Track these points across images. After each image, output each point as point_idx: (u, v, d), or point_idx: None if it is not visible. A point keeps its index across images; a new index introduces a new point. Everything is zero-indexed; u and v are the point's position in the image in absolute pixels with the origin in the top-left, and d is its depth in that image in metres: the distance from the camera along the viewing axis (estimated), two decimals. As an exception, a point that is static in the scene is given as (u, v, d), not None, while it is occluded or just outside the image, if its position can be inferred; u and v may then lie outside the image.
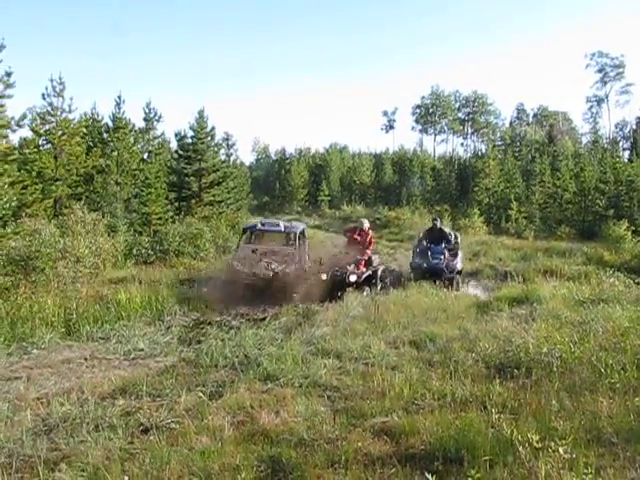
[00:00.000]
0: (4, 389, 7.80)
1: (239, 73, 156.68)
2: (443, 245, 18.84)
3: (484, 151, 70.31)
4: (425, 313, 12.54)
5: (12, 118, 16.10)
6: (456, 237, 19.74)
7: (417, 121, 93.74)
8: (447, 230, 20.32)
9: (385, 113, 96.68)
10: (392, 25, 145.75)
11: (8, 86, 15.05)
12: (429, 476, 3.43)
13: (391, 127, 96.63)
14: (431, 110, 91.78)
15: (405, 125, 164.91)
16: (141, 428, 6.30)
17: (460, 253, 19.15)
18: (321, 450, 5.53)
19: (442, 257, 18.28)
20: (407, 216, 42.88)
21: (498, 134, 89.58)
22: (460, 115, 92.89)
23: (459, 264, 18.64)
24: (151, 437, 5.98)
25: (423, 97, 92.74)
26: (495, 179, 48.65)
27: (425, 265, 18.17)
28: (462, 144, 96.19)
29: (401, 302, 13.80)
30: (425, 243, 19.22)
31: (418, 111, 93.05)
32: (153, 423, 6.34)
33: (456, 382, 7.54)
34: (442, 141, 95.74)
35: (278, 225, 17.99)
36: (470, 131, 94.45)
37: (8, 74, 14.95)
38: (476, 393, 7.04)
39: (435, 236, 19.40)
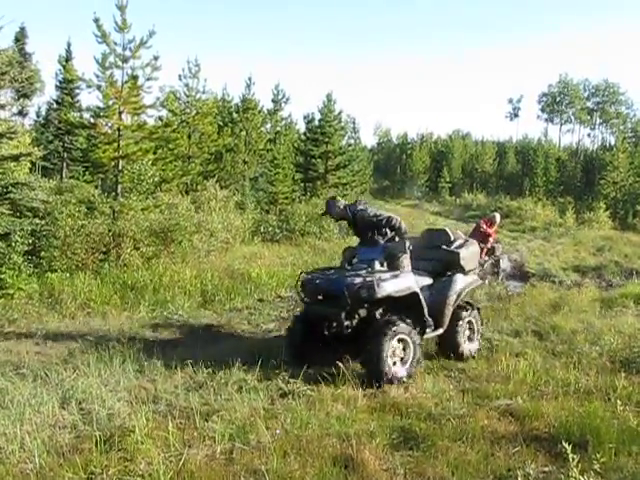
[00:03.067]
0: (157, 349, 8.55)
1: (364, 57, 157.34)
2: (382, 244, 8.32)
3: (613, 143, 67.72)
4: (547, 305, 12.59)
5: (157, 99, 17.13)
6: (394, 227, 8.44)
7: (543, 110, 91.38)
8: (384, 214, 8.61)
9: (510, 100, 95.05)
10: (520, 10, 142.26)
11: (155, 69, 15.94)
12: (566, 444, 3.68)
13: (516, 115, 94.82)
14: (558, 99, 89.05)
15: (530, 113, 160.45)
16: (280, 392, 6.82)
17: (406, 263, 8.21)
18: (449, 424, 5.88)
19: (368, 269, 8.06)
20: (529, 207, 41.95)
21: (629, 125, 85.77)
22: (589, 104, 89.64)
23: (392, 283, 7.79)
24: (290, 401, 6.50)
25: (550, 85, 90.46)
26: (624, 172, 46.87)
27: (314, 283, 8.18)
28: (589, 135, 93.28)
29: (523, 293, 13.98)
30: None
31: (544, 99, 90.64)
32: (291, 389, 6.85)
33: (580, 372, 7.72)
34: (568, 131, 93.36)
35: None
36: (598, 121, 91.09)
37: (155, 58, 15.84)
38: (600, 385, 7.19)
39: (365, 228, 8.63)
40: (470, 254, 9.19)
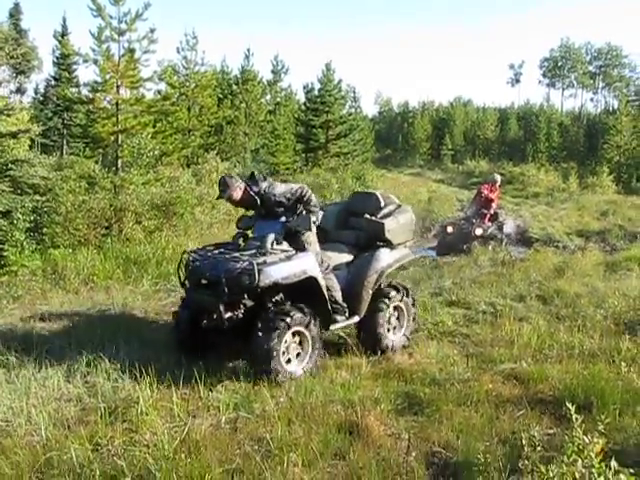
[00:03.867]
0: (160, 322, 8.59)
1: (363, 28, 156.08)
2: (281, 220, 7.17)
3: (616, 106, 67.10)
4: (551, 269, 12.56)
5: (155, 72, 17.04)
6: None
7: (545, 75, 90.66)
8: (293, 187, 7.26)
9: (512, 66, 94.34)
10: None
11: (152, 42, 15.82)
12: (569, 405, 3.68)
13: (517, 81, 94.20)
14: (560, 63, 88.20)
15: (532, 79, 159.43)
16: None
17: (310, 240, 7.03)
18: (453, 389, 5.91)
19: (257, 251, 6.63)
20: (532, 173, 41.71)
21: (632, 88, 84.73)
22: (591, 68, 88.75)
23: (282, 268, 6.47)
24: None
25: (552, 50, 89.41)
26: (627, 136, 46.44)
27: (194, 266, 6.92)
28: (592, 99, 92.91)
29: (527, 257, 13.98)
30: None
31: (546, 64, 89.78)
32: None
33: (584, 336, 7.72)
34: (570, 96, 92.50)
35: None
36: (601, 85, 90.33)
37: (152, 30, 15.73)
38: (604, 347, 7.20)
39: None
40: (399, 224, 7.62)
